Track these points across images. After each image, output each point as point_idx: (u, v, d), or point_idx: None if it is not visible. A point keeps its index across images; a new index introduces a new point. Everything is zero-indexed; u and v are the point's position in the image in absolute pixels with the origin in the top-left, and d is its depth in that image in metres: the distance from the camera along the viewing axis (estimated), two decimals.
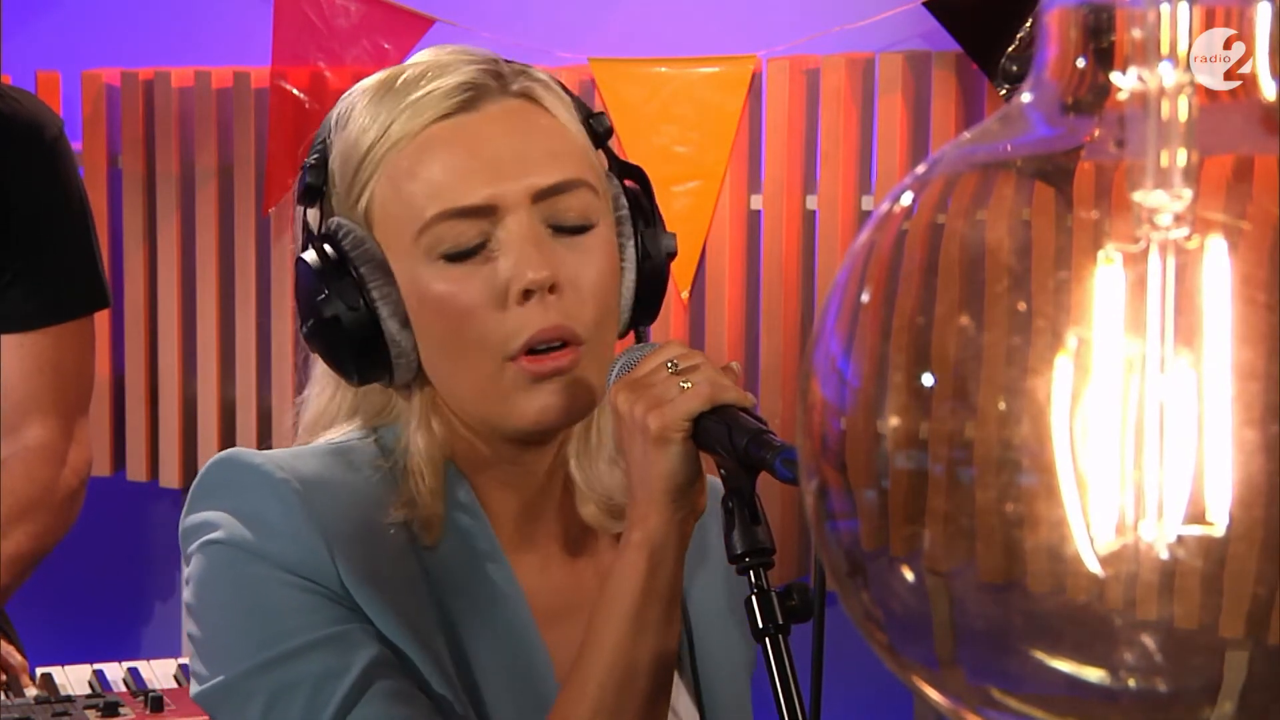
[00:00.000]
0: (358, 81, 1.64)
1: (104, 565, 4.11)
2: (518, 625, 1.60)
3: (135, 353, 3.93)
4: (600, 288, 1.58)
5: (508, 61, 1.63)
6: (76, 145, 3.84)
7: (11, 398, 2.62)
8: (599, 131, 1.64)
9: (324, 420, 1.67)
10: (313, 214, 1.62)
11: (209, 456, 4.20)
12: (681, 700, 1.67)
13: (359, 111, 1.59)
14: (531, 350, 1.55)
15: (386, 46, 3.62)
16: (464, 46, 1.63)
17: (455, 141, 1.56)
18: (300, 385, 4.00)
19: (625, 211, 1.62)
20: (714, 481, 1.56)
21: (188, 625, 1.60)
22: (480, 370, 1.56)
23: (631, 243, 1.62)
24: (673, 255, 1.64)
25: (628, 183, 1.65)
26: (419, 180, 1.56)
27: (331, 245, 1.58)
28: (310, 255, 1.59)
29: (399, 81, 1.59)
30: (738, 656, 1.72)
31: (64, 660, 2.64)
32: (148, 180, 3.87)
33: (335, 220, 1.59)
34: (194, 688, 1.59)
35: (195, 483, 1.61)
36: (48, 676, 2.58)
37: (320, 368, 1.67)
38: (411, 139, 1.57)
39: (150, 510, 4.12)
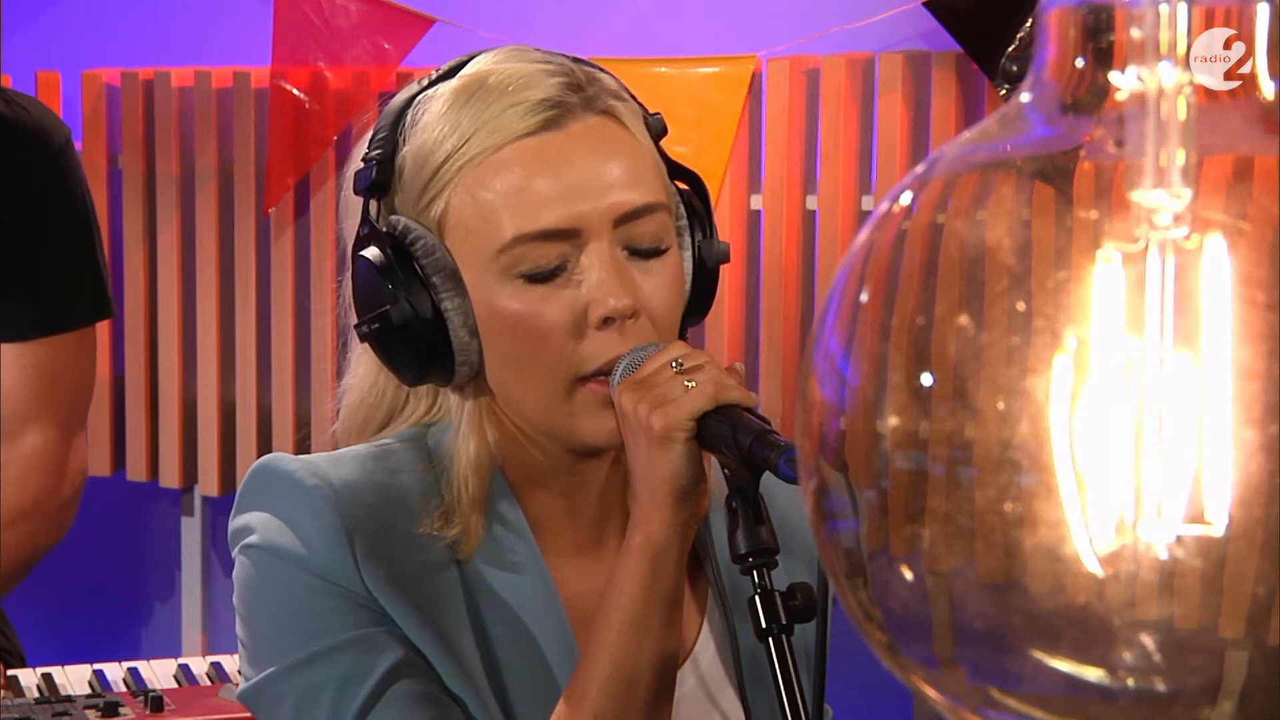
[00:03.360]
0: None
1: (104, 565, 4.11)
2: (553, 635, 1.60)
3: (135, 353, 3.93)
4: (670, 314, 1.59)
5: (578, 63, 1.61)
6: (76, 145, 3.84)
7: (9, 406, 2.62)
8: (656, 130, 1.63)
9: (365, 408, 1.67)
10: (372, 207, 1.61)
11: (210, 457, 4.21)
12: (725, 695, 1.66)
13: (436, 116, 1.58)
14: (602, 372, 1.55)
15: (386, 46, 3.62)
16: (541, 51, 1.62)
17: (539, 162, 1.55)
18: (299, 385, 3.99)
19: (684, 222, 1.63)
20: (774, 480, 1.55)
21: (237, 626, 1.64)
22: (550, 389, 1.56)
23: (689, 254, 1.63)
24: (725, 261, 1.64)
25: (679, 185, 1.65)
26: (500, 199, 1.55)
27: (399, 247, 1.57)
28: (375, 253, 1.58)
29: (480, 90, 1.57)
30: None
31: (64, 660, 2.64)
32: (148, 180, 3.87)
33: (402, 221, 1.58)
34: (240, 685, 1.63)
35: (240, 487, 1.64)
36: (48, 676, 2.58)
37: (359, 358, 1.67)
38: (493, 154, 1.56)
39: (150, 510, 4.12)
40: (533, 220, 1.54)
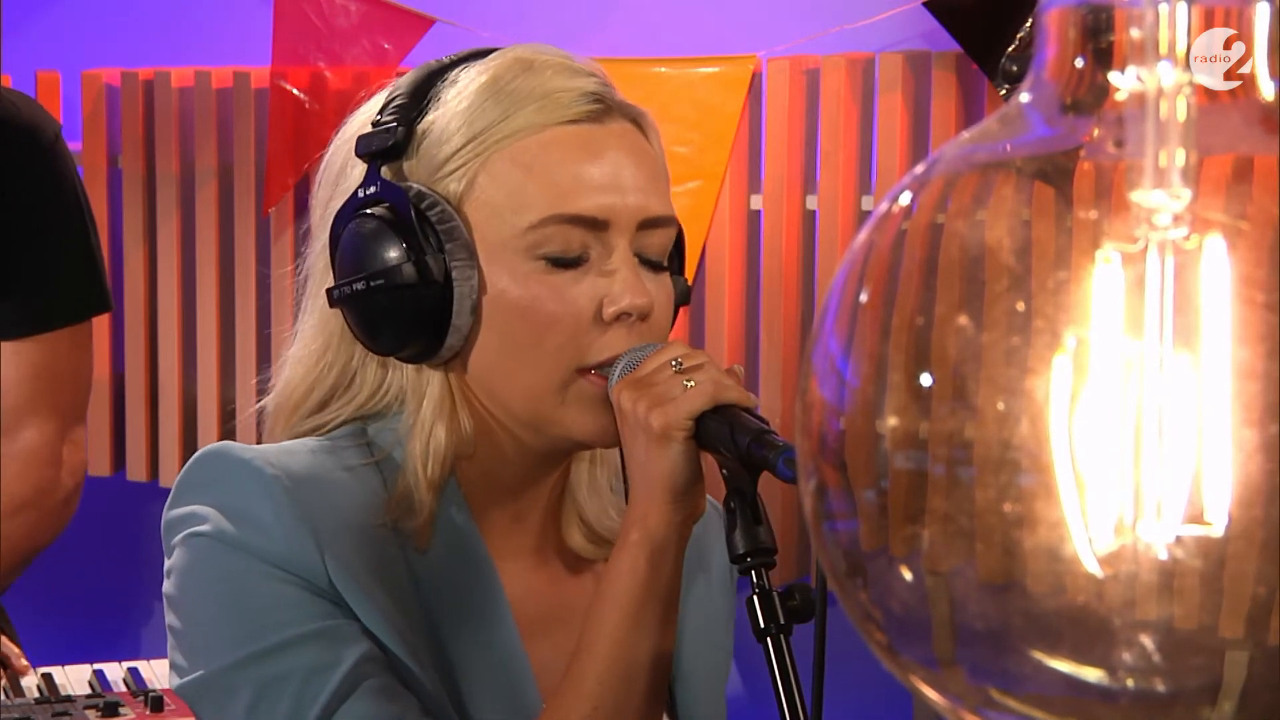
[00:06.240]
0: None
1: (105, 565, 4.11)
2: (502, 634, 1.59)
3: (135, 353, 3.93)
4: (666, 325, 1.60)
5: None
6: (76, 145, 3.84)
7: (6, 403, 2.61)
8: None
9: (307, 383, 1.63)
10: (360, 172, 1.59)
11: None
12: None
13: (472, 91, 1.57)
14: (602, 367, 1.54)
15: (386, 46, 3.62)
16: (563, 50, 1.62)
17: (582, 149, 1.55)
18: None
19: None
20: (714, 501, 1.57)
21: (169, 618, 1.59)
22: (548, 375, 1.55)
23: None
24: (685, 304, 1.65)
25: None
26: (538, 177, 1.55)
27: (417, 210, 1.54)
28: (386, 212, 1.55)
29: (527, 71, 1.57)
30: (717, 669, 1.73)
31: (64, 660, 2.64)
32: (148, 180, 3.87)
33: (415, 187, 1.56)
34: (174, 680, 1.58)
35: (182, 475, 1.59)
36: (48, 676, 2.58)
37: (310, 330, 1.63)
38: (537, 132, 1.56)
39: (150, 510, 4.10)
40: (570, 203, 1.54)
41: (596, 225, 1.55)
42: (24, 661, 2.59)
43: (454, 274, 1.54)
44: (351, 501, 1.57)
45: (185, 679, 1.56)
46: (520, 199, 1.54)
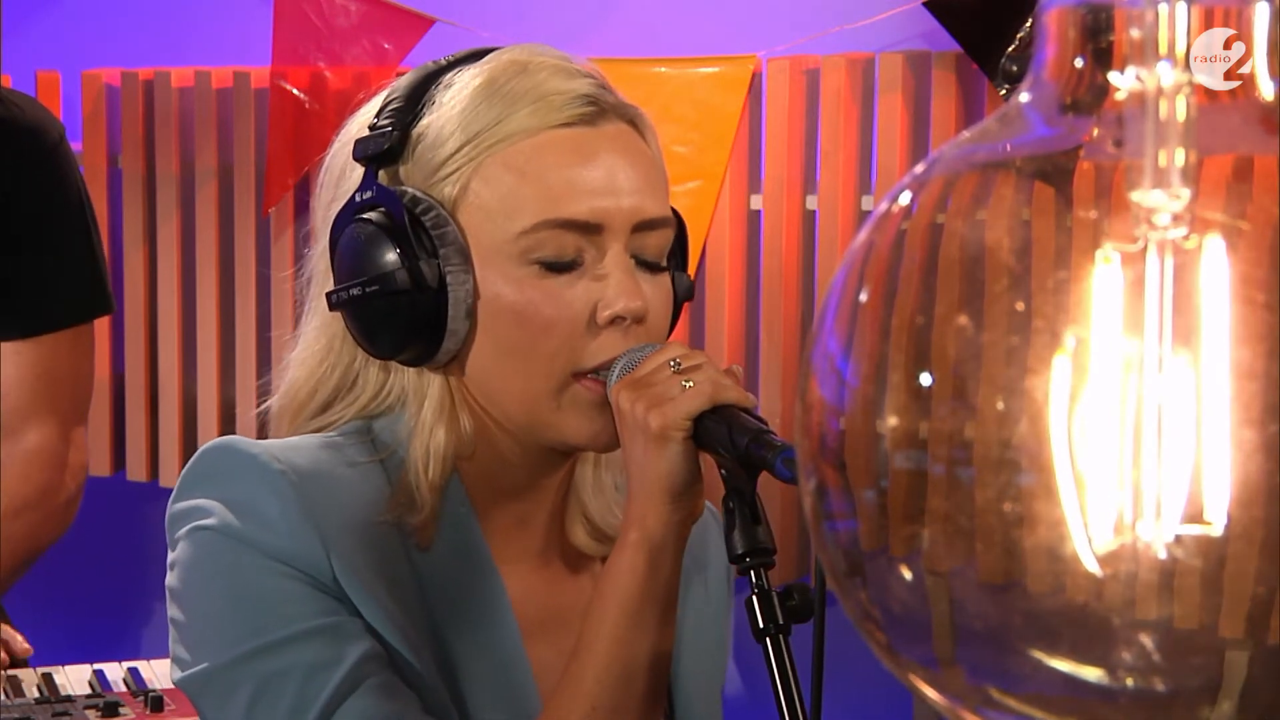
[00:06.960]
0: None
1: (104, 565, 4.11)
2: (504, 637, 1.58)
3: (135, 353, 3.93)
4: (663, 327, 1.59)
5: None
6: (76, 145, 3.84)
7: (8, 404, 2.61)
8: None
9: (310, 384, 1.63)
10: (359, 175, 1.59)
11: None
12: None
13: (467, 94, 1.57)
14: (597, 370, 1.54)
15: (386, 46, 3.62)
16: (561, 51, 1.62)
17: (575, 153, 1.55)
18: None
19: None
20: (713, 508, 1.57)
21: (171, 611, 1.58)
22: (543, 380, 1.54)
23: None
24: (689, 299, 1.65)
25: None
26: (531, 181, 1.54)
27: (412, 215, 1.55)
28: (382, 217, 1.55)
29: (521, 74, 1.57)
30: (715, 670, 1.73)
31: (64, 660, 2.64)
32: (148, 180, 3.87)
33: (410, 191, 1.56)
34: (176, 674, 1.57)
35: (188, 468, 1.59)
36: (48, 676, 2.58)
37: (313, 332, 1.64)
38: (530, 136, 1.55)
39: (150, 510, 4.11)
40: (562, 207, 1.54)
41: (589, 229, 1.54)
42: (26, 644, 2.59)
43: (448, 279, 1.54)
44: (356, 498, 1.56)
45: (187, 672, 1.55)
46: (513, 204, 1.54)
